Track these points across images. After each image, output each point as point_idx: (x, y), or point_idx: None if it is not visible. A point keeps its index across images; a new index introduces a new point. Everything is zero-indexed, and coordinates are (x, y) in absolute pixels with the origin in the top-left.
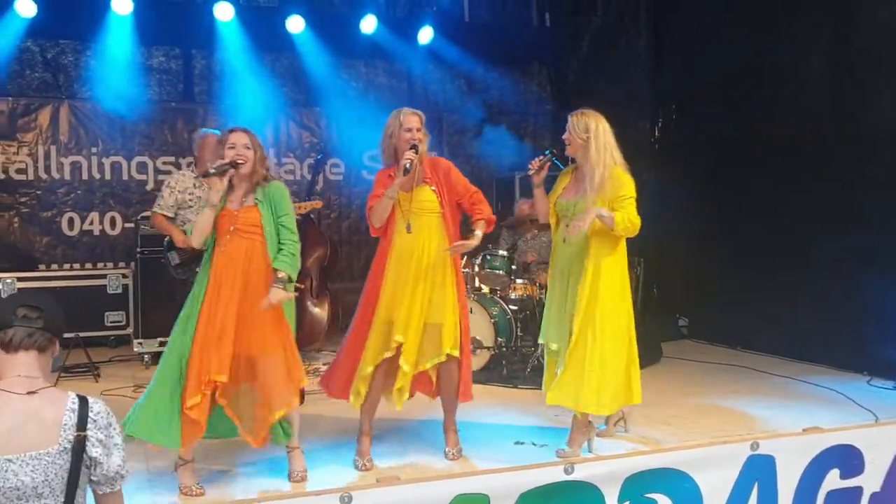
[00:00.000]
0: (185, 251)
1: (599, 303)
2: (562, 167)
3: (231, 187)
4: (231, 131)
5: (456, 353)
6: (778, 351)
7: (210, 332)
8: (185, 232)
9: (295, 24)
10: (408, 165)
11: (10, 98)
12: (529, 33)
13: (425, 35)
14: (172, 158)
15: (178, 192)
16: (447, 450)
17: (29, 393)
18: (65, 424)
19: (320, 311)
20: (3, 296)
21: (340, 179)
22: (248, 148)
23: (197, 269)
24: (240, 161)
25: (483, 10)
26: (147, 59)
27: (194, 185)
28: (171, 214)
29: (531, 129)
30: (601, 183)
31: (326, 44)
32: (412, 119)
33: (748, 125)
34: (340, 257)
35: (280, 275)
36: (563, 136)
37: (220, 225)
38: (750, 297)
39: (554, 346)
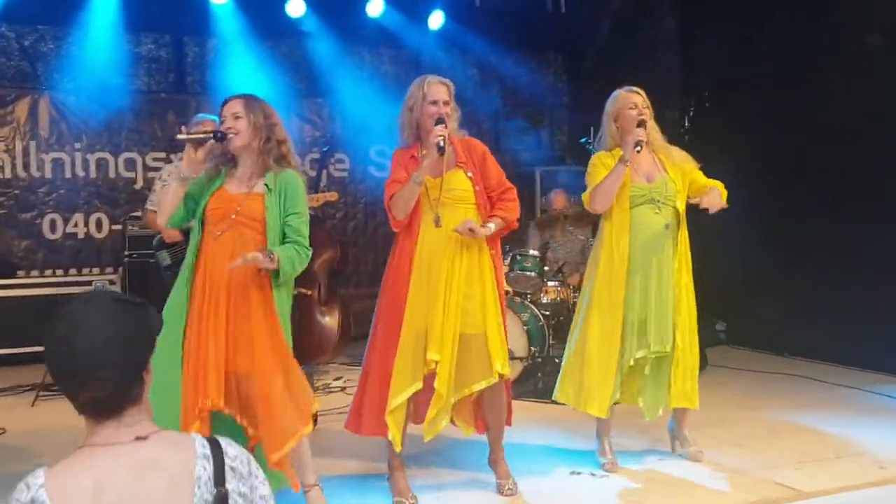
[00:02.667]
0: (177, 250)
1: (690, 295)
2: (593, 152)
3: (234, 165)
4: (224, 102)
5: (507, 372)
6: (835, 358)
7: (202, 353)
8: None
9: (295, 8)
10: (441, 143)
11: None
12: (544, 19)
13: (435, 20)
14: (163, 154)
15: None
16: (501, 483)
17: (138, 439)
18: (199, 478)
19: (330, 320)
20: None
21: (345, 176)
22: (239, 118)
23: None
24: (230, 133)
25: None
26: (135, 47)
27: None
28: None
29: (547, 120)
30: (681, 156)
31: (329, 29)
32: (439, 89)
33: (795, 112)
34: (349, 260)
35: (271, 253)
36: (640, 115)
37: (214, 211)
38: (801, 299)
39: (640, 354)
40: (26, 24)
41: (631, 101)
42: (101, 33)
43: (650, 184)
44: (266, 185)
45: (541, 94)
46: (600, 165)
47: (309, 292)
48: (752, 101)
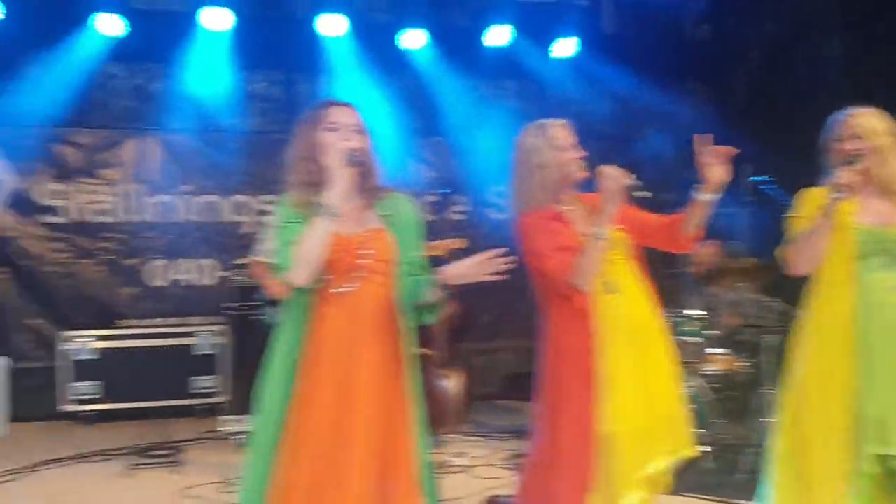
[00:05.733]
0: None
1: None
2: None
3: (317, 197)
4: (331, 104)
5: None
6: None
7: (320, 450)
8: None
9: (412, 39)
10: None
11: (91, 130)
12: (683, 45)
13: (563, 49)
14: (275, 197)
15: None
16: None
17: None
18: None
19: (451, 385)
20: (80, 356)
21: (464, 219)
22: (361, 132)
23: None
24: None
25: (627, 21)
26: (246, 85)
27: None
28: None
29: (690, 156)
30: None
31: (448, 61)
32: (562, 132)
33: None
34: (472, 315)
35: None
36: (849, 146)
37: (332, 261)
38: None
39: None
40: (136, 62)
41: (845, 130)
42: (211, 71)
43: (884, 228)
44: (382, 215)
45: (684, 127)
46: (807, 208)
47: (428, 352)
48: None
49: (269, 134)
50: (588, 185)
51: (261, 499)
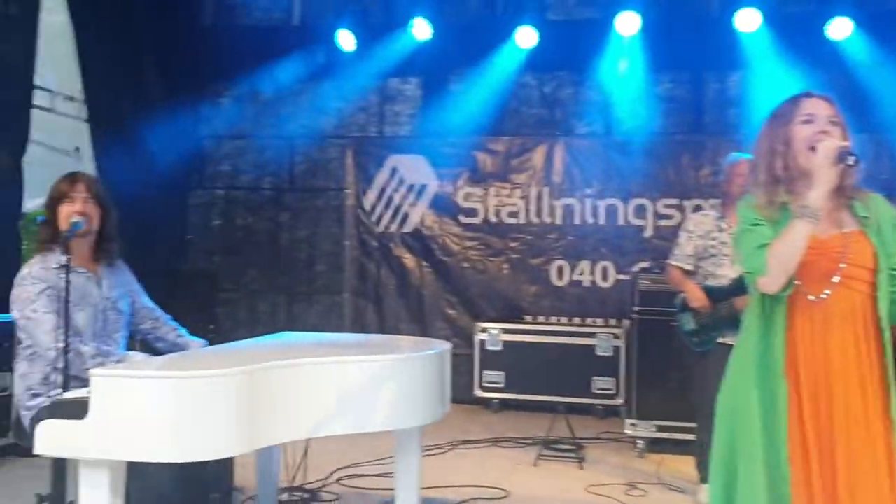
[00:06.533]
0: (703, 314)
1: None
2: None
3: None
4: (807, 95)
5: None
6: None
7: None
8: (706, 289)
9: (839, 29)
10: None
11: (506, 137)
12: None
13: None
14: (675, 201)
15: (698, 237)
16: None
17: None
18: None
19: None
20: (487, 347)
21: None
22: (838, 125)
23: (720, 340)
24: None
25: None
26: (652, 87)
27: (718, 227)
28: (689, 267)
29: None
30: None
31: (879, 52)
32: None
33: None
34: None
35: None
36: None
37: (807, 265)
38: None
39: None
40: (547, 71)
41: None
42: (619, 76)
43: None
44: (859, 215)
45: None
46: None
47: None
48: None
49: (672, 136)
50: None
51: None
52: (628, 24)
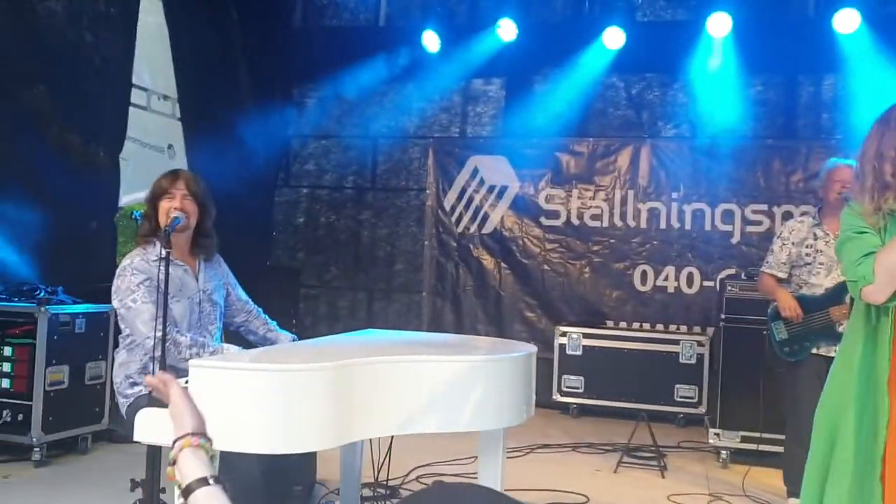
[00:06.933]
0: (795, 323)
1: None
2: None
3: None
4: None
5: None
6: None
7: None
8: (800, 298)
9: None
10: None
11: (591, 139)
12: None
13: None
14: (764, 206)
15: (793, 244)
16: None
17: None
18: None
19: None
20: (567, 351)
21: None
22: None
23: (813, 350)
24: None
25: None
26: (743, 90)
27: (814, 235)
28: (782, 274)
29: None
30: None
31: None
32: None
33: None
34: None
35: None
36: None
37: None
38: None
39: None
40: (635, 72)
41: None
42: (708, 78)
43: None
44: None
45: None
46: None
47: None
48: None
49: (763, 140)
50: None
51: None
52: (720, 25)
